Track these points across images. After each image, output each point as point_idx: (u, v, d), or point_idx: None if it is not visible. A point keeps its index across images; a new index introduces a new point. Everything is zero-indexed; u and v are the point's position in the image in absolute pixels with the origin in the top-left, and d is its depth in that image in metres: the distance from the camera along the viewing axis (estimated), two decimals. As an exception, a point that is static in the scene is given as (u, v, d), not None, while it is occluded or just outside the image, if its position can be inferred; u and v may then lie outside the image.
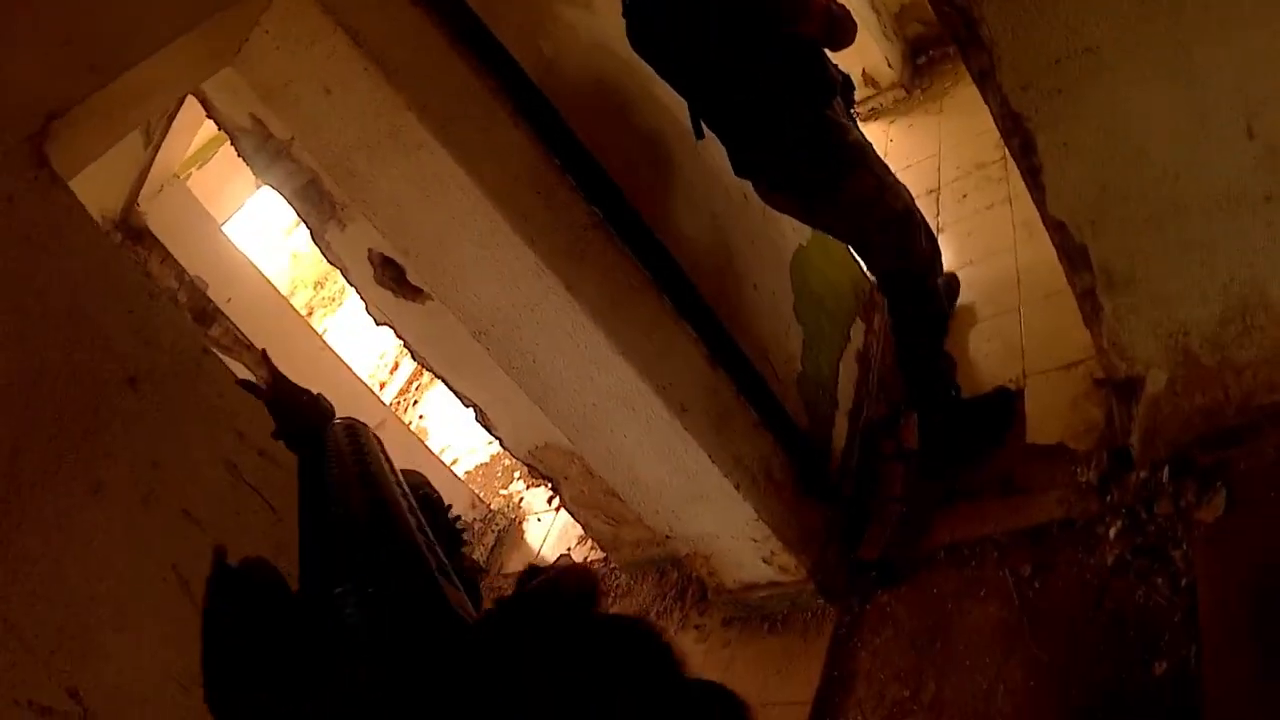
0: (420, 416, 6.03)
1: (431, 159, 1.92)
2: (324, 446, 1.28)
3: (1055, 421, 2.52)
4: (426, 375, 4.48)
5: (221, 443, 1.44)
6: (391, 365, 7.07)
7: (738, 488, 2.31)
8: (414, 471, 1.51)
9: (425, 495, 1.46)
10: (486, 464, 4.87)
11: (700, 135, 2.41)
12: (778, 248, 2.92)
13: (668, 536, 2.62)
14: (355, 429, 1.36)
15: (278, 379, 1.45)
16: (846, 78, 2.47)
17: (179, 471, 1.37)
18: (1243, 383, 1.99)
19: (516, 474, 4.52)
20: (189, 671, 1.28)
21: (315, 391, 1.46)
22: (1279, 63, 1.52)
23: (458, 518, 1.76)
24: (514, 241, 1.99)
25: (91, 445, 1.29)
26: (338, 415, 1.43)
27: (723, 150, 2.48)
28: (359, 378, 4.26)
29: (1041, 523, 2.32)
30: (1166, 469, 2.15)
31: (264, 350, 1.57)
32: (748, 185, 2.62)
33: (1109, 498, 2.23)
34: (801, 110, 2.31)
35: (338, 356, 4.12)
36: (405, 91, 1.85)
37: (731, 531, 2.46)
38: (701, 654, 2.75)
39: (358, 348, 6.92)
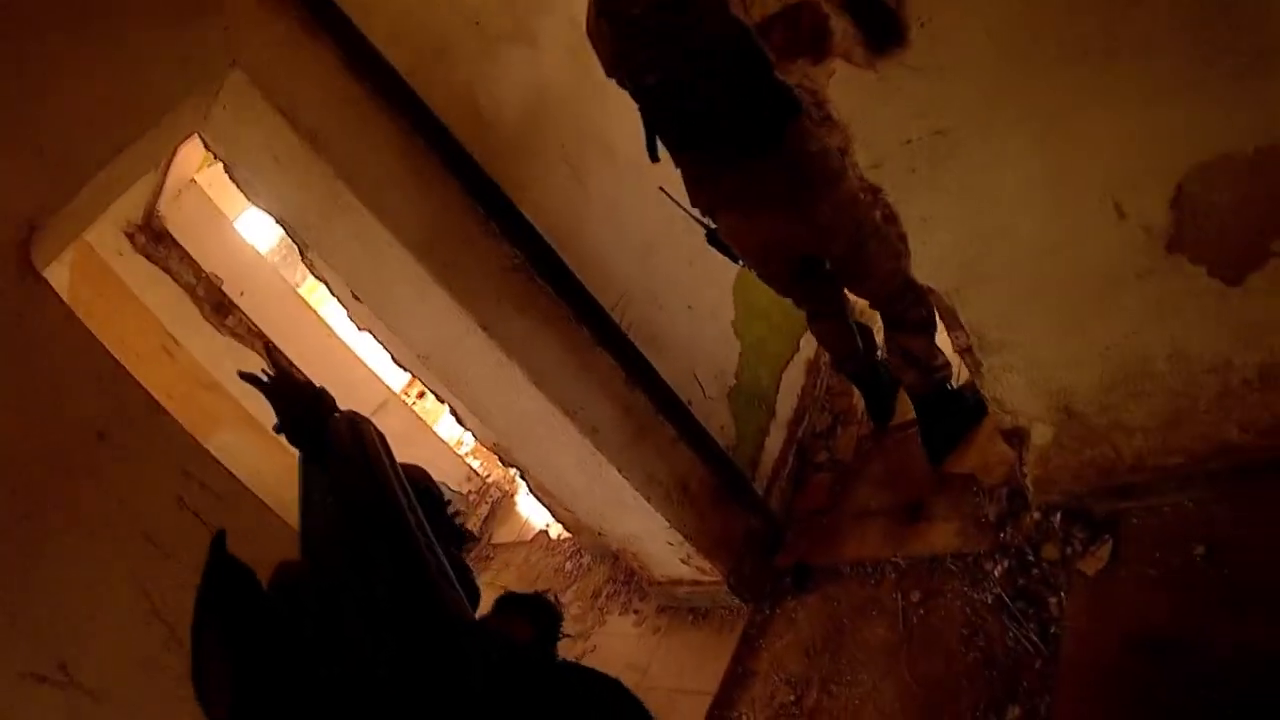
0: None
1: (362, 219, 2.18)
2: (326, 440, 1.26)
3: (973, 452, 2.59)
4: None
5: (171, 480, 1.75)
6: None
7: (649, 500, 2.55)
8: (415, 466, 1.53)
9: (427, 490, 1.48)
10: (492, 437, 5.14)
11: (655, 158, 2.38)
12: (722, 265, 2.97)
13: (599, 534, 2.88)
14: (357, 423, 1.32)
15: (280, 372, 1.40)
16: None
17: (139, 504, 1.69)
18: (1134, 443, 1.92)
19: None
20: (150, 651, 1.62)
21: (318, 385, 1.43)
22: (1143, 143, 1.51)
23: (458, 512, 1.81)
24: (436, 290, 2.25)
25: (74, 487, 1.62)
26: (339, 398, 1.45)
27: (657, 175, 2.46)
28: (363, 362, 4.53)
29: (939, 552, 2.41)
30: (1060, 514, 2.15)
31: (267, 343, 1.73)
32: (682, 216, 2.59)
33: (1003, 535, 2.27)
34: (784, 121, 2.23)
35: (342, 341, 4.42)
36: (334, 163, 2.10)
37: (651, 535, 2.71)
38: (635, 638, 3.05)
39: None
